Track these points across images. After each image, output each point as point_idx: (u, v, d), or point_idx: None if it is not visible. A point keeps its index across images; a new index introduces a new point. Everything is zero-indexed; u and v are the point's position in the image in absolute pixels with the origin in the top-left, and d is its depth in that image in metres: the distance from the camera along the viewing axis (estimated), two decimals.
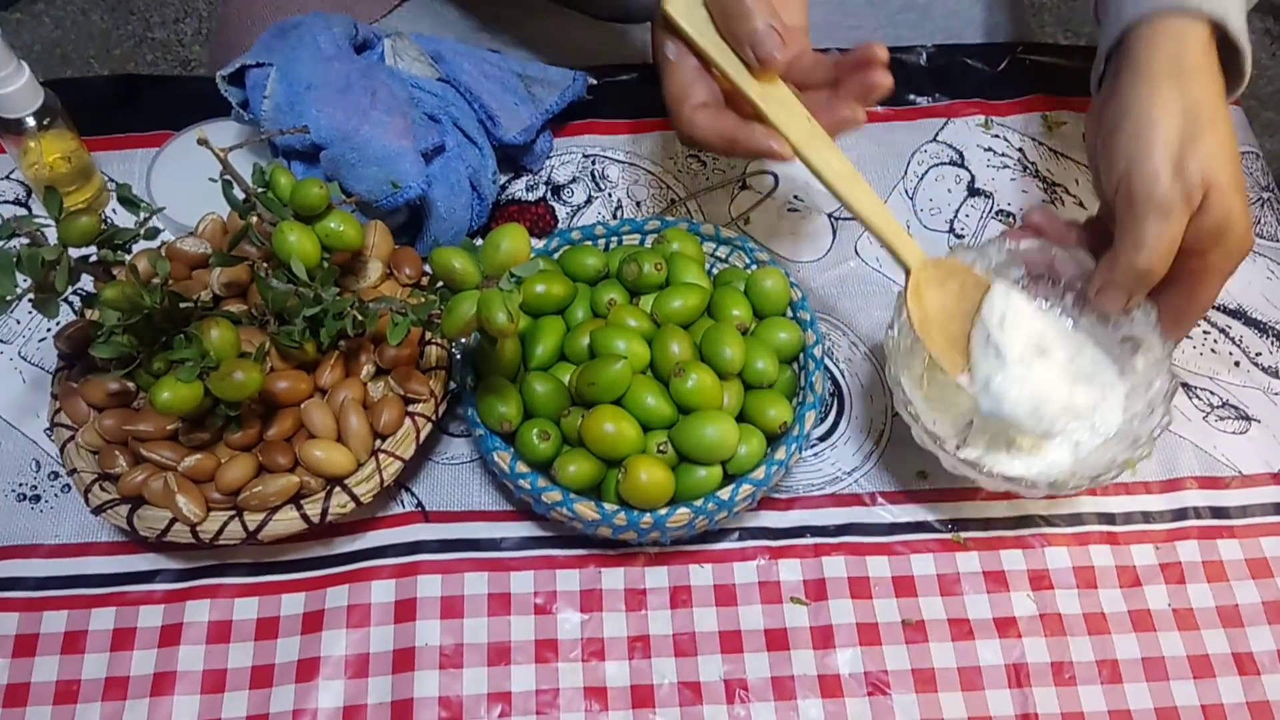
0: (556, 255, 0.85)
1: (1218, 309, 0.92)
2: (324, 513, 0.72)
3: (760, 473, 0.74)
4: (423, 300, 0.71)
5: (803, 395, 0.78)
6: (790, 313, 0.82)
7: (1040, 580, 0.79)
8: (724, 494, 0.73)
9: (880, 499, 0.83)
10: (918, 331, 0.75)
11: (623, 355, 0.74)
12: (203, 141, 0.71)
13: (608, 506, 0.72)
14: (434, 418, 0.76)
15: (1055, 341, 0.78)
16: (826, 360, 0.88)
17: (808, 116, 0.72)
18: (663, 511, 0.72)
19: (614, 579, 0.79)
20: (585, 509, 0.72)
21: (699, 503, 0.72)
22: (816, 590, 0.79)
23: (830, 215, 0.98)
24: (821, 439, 0.86)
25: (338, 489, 0.72)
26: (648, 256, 0.80)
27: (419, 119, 0.86)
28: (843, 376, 0.89)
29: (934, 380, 0.83)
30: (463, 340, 0.79)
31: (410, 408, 0.76)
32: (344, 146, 0.82)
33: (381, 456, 0.73)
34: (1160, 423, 0.76)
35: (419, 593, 0.77)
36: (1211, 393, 0.88)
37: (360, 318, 0.71)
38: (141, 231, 0.72)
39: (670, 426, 0.74)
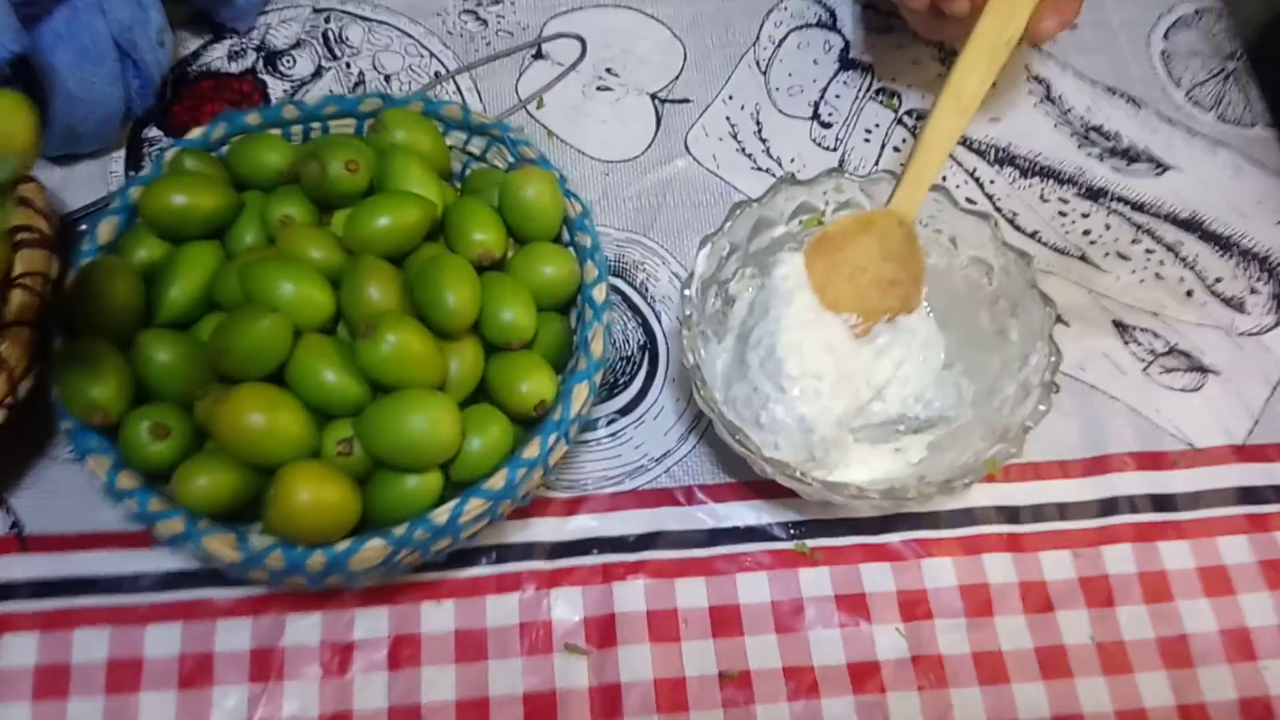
0: (223, 150, 0.57)
1: (1163, 218, 0.68)
2: None
3: (499, 479, 0.49)
4: None
5: (575, 360, 0.53)
6: (567, 236, 0.56)
7: (914, 606, 0.57)
8: (441, 514, 0.48)
9: (700, 495, 0.59)
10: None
11: (279, 306, 0.48)
12: None
13: (256, 541, 0.47)
14: (7, 401, 0.49)
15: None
16: (641, 300, 0.63)
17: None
18: (342, 546, 0.47)
19: (304, 630, 0.54)
20: (221, 545, 0.47)
21: (401, 530, 0.47)
22: (603, 633, 0.55)
23: (655, 96, 0.71)
24: (622, 413, 0.61)
25: None
26: (338, 150, 0.53)
27: None
28: (658, 322, 0.64)
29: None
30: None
31: None
32: None
33: None
34: (1035, 411, 0.53)
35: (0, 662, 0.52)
36: (1154, 334, 0.65)
37: None
38: None
39: (360, 413, 0.49)
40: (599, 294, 0.54)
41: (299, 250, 0.51)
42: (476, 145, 0.60)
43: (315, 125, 0.59)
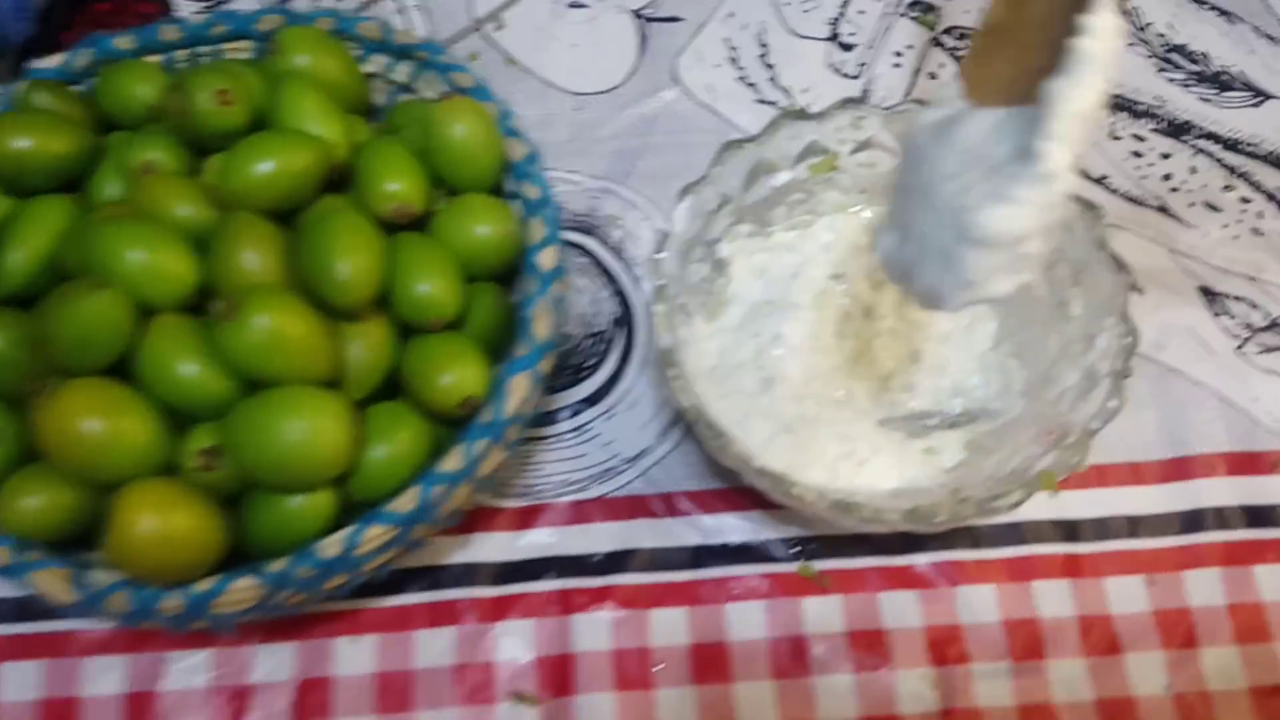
0: (89, 82, 0.46)
1: (1263, 159, 0.55)
2: None
3: (408, 499, 0.38)
4: None
5: (513, 345, 0.42)
6: (511, 184, 0.45)
7: (946, 646, 0.45)
8: (330, 545, 0.37)
9: (683, 505, 0.48)
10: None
11: (125, 278, 0.37)
12: None
13: (97, 578, 0.37)
14: None
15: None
16: (616, 264, 0.51)
17: None
18: (203, 586, 0.37)
19: (190, 670, 0.45)
20: (53, 582, 0.37)
21: (278, 566, 0.37)
22: (558, 677, 0.45)
23: (638, 14, 0.59)
24: (589, 402, 0.50)
25: None
26: (208, 78, 0.42)
27: None
28: (637, 290, 0.53)
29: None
30: None
31: None
32: None
33: None
34: (1103, 408, 0.41)
35: None
36: (1251, 305, 0.52)
37: None
38: None
39: (226, 416, 0.38)
40: (547, 259, 0.43)
41: (158, 206, 0.40)
42: (402, 72, 0.48)
43: (205, 50, 0.48)
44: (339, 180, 0.44)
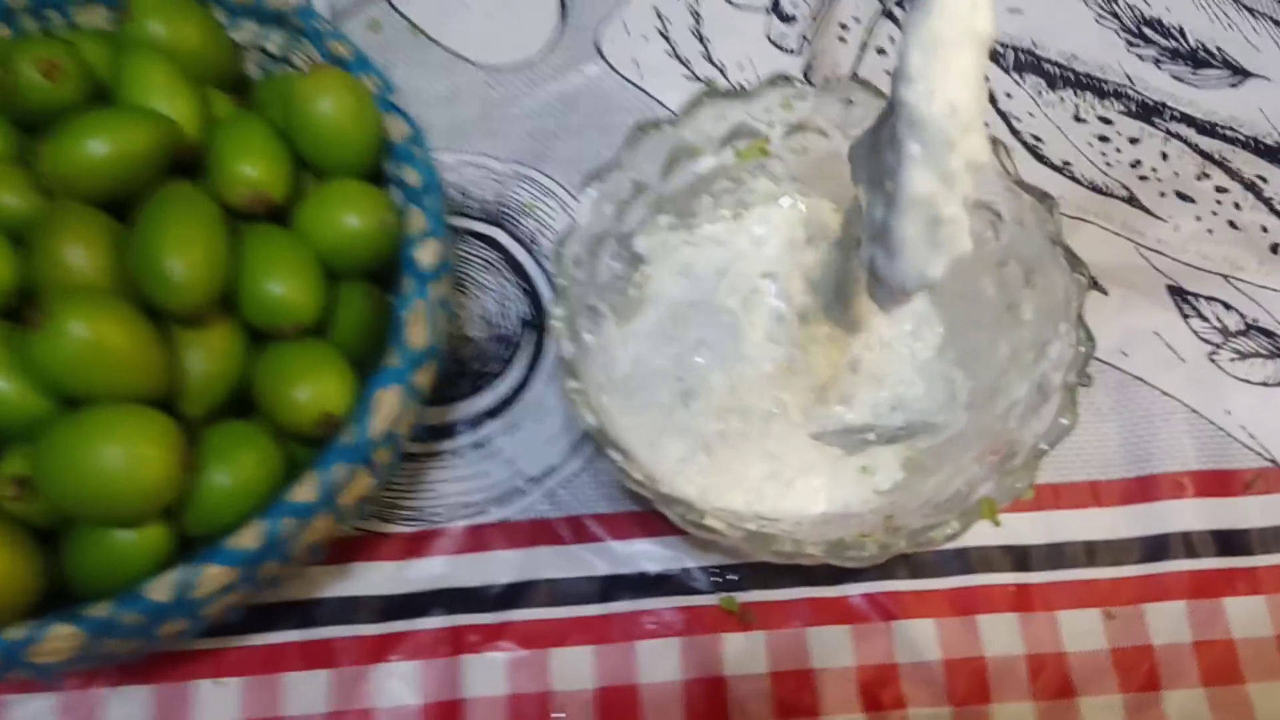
0: None
1: (1241, 144, 0.50)
2: None
3: (252, 535, 0.33)
4: None
5: (386, 353, 0.36)
6: (391, 168, 0.40)
7: (879, 689, 0.41)
8: (160, 589, 0.32)
9: (592, 529, 0.43)
10: None
11: None
12: None
13: None
14: None
15: None
16: (528, 259, 0.46)
17: None
18: (13, 635, 0.32)
19: (31, 717, 0.39)
20: None
21: (101, 612, 0.32)
22: None
23: None
24: (491, 414, 0.45)
25: None
26: (34, 47, 0.36)
27: None
28: (548, 288, 0.47)
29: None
30: None
31: None
32: None
33: None
34: (1055, 425, 0.36)
35: None
36: (1225, 306, 0.47)
37: None
38: None
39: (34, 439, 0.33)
40: (427, 255, 0.37)
41: None
42: (275, 42, 0.43)
43: (52, 15, 0.42)
44: (194, 165, 0.38)
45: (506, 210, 0.49)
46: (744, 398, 0.43)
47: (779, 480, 0.41)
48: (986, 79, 0.46)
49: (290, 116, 0.38)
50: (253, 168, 0.37)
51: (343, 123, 0.38)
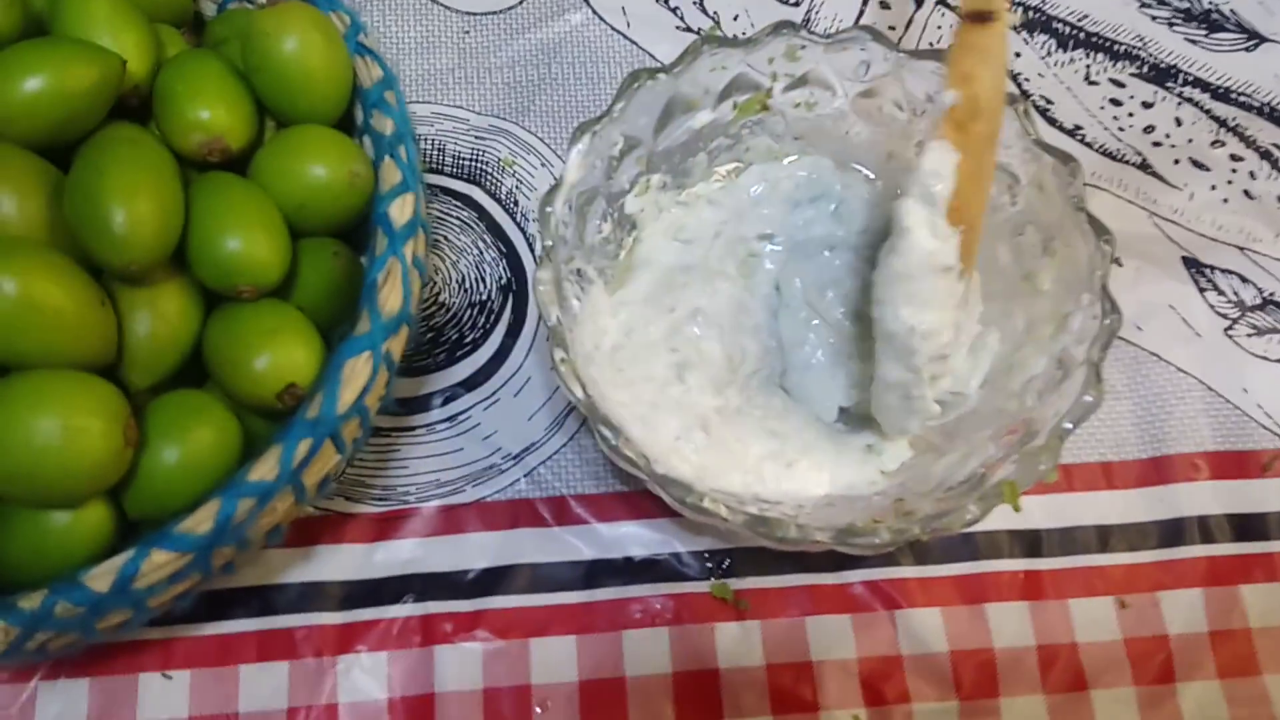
0: None
1: (1257, 110, 0.48)
2: None
3: (204, 517, 0.29)
4: None
5: (356, 319, 0.33)
6: (361, 116, 0.36)
7: (882, 682, 0.38)
8: (101, 577, 0.29)
9: (576, 510, 0.40)
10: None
11: None
12: None
13: None
14: None
15: None
16: (507, 220, 0.43)
17: None
18: None
19: None
20: None
21: (31, 604, 0.28)
22: None
23: None
24: (467, 386, 0.42)
25: None
26: None
27: None
28: (529, 251, 0.44)
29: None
30: None
31: None
32: None
33: None
34: (1079, 403, 0.33)
35: None
36: (1242, 279, 0.45)
37: None
38: None
39: None
40: (401, 211, 0.34)
41: None
42: None
43: None
44: (140, 109, 0.34)
45: (484, 167, 0.45)
46: (743, 372, 0.40)
47: (780, 460, 0.39)
48: None
49: (249, 55, 0.34)
50: (207, 110, 0.33)
51: (309, 63, 0.34)
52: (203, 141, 0.33)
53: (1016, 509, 0.35)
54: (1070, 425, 0.34)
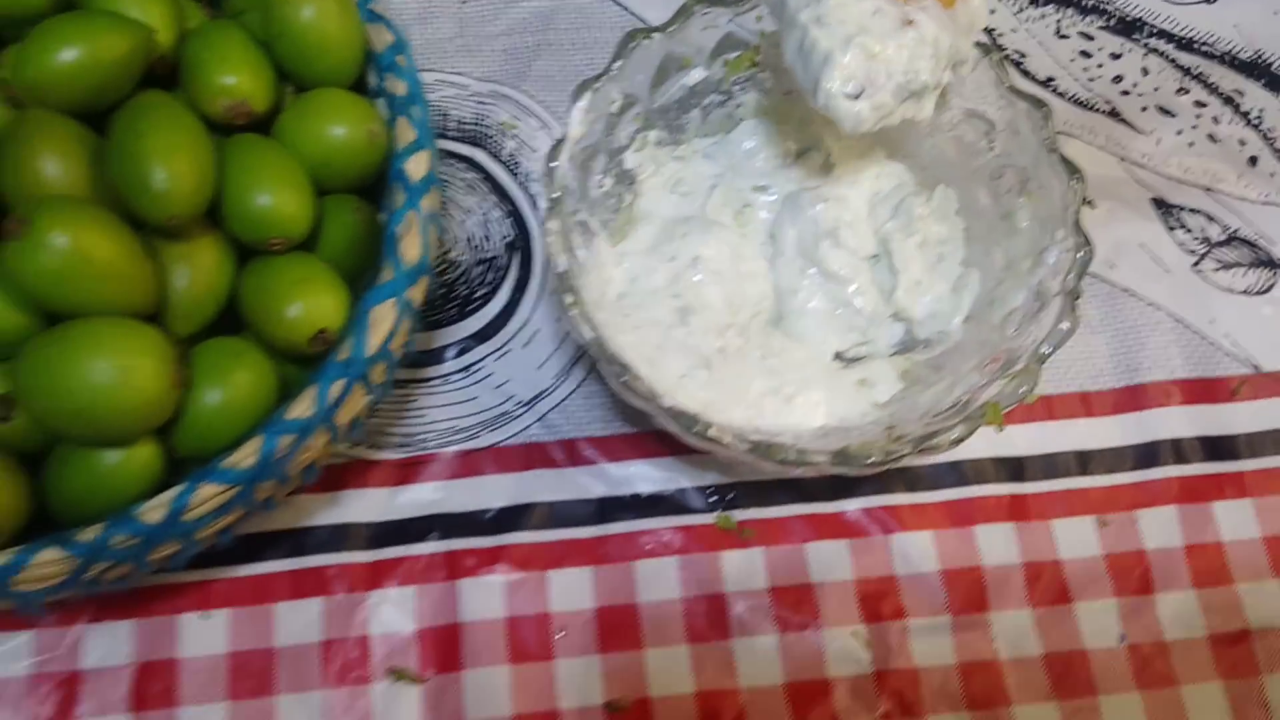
0: None
1: (1219, 59, 0.51)
2: None
3: (248, 453, 0.32)
4: None
5: (378, 268, 0.35)
6: (374, 80, 0.38)
7: (879, 601, 0.41)
8: (154, 510, 0.31)
9: (587, 452, 0.43)
10: None
11: None
12: None
13: None
14: None
15: None
16: (509, 179, 0.45)
17: None
18: (1, 562, 0.30)
19: (8, 655, 0.39)
20: None
21: (90, 535, 0.31)
22: (444, 651, 0.39)
23: None
24: (479, 338, 0.44)
25: None
26: None
27: None
28: (533, 210, 0.46)
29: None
30: None
31: None
32: None
33: None
34: (1055, 331, 0.36)
35: None
36: (1208, 217, 0.48)
37: None
38: None
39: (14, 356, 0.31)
40: (416, 167, 0.36)
41: None
42: None
43: None
44: (166, 77, 0.36)
45: (486, 131, 0.47)
46: (742, 315, 0.42)
47: (779, 395, 0.41)
48: None
49: (270, 24, 0.36)
50: (233, 76, 0.35)
51: (326, 30, 0.36)
52: (229, 105, 0.35)
53: (999, 428, 0.37)
54: (1048, 350, 0.37)
